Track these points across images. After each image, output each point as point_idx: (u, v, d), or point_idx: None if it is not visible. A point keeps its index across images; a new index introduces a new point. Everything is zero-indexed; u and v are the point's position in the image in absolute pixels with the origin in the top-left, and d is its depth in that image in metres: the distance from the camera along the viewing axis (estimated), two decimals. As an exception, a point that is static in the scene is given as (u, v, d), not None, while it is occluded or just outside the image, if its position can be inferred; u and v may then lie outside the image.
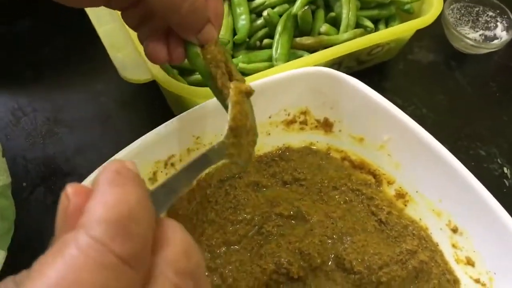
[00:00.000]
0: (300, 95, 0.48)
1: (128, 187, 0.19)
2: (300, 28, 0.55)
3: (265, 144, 0.49)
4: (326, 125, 0.50)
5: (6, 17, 0.62)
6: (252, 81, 0.45)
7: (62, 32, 0.61)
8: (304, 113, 0.49)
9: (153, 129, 0.41)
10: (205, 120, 0.44)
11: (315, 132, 0.50)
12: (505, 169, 0.56)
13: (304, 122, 0.49)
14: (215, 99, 0.43)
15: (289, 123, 0.49)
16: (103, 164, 0.31)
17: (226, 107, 0.36)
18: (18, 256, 0.45)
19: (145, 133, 0.41)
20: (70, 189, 0.20)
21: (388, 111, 0.45)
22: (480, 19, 0.67)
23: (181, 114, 0.42)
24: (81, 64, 0.59)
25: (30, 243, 0.46)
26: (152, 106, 0.55)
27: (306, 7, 0.53)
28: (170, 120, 0.42)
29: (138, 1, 0.36)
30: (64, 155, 0.52)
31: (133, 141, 0.41)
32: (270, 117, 0.48)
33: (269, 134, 0.49)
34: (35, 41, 0.61)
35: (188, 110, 0.42)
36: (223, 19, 0.37)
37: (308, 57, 0.51)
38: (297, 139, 0.50)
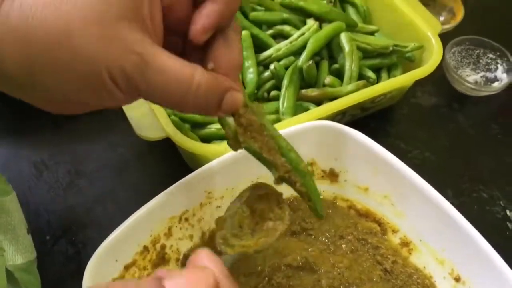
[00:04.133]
0: (307, 147, 0.50)
1: None
2: (305, 80, 0.58)
3: None
4: (332, 175, 0.52)
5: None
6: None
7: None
8: (311, 164, 0.51)
9: (168, 180, 0.44)
10: (216, 176, 0.47)
11: (321, 182, 0.52)
12: (507, 211, 0.58)
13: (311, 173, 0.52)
14: (225, 155, 0.46)
15: None
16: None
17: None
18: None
19: (160, 185, 0.44)
20: None
21: (389, 163, 0.47)
22: (481, 61, 0.70)
23: (194, 173, 0.45)
24: (98, 114, 0.62)
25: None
26: (167, 157, 0.58)
27: (311, 62, 0.56)
28: (183, 178, 0.44)
29: None
30: (84, 206, 0.55)
31: (149, 192, 0.43)
32: None
33: (277, 185, 0.51)
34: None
35: (199, 169, 0.45)
36: (241, 67, 0.32)
37: (314, 111, 0.53)
38: None
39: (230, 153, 0.46)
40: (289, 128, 0.48)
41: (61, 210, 0.54)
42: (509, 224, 0.57)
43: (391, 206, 0.50)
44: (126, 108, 0.51)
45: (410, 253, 0.49)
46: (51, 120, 0.62)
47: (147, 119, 0.51)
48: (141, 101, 0.52)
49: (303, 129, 0.49)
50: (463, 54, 0.70)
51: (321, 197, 0.53)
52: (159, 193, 0.43)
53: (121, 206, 0.55)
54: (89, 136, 0.61)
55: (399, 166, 0.47)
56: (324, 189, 0.52)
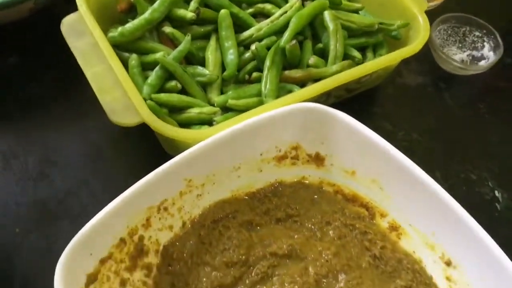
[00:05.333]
0: (291, 131, 0.48)
1: None
2: (288, 60, 0.55)
3: (257, 181, 0.49)
4: (318, 160, 0.50)
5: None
6: (243, 120, 0.45)
7: (50, 68, 0.61)
8: (296, 148, 0.49)
9: (145, 167, 0.41)
10: (196, 162, 0.44)
11: (307, 167, 0.50)
12: (496, 192, 0.57)
13: (296, 157, 0.50)
14: (205, 141, 0.43)
15: (281, 158, 0.49)
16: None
17: None
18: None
19: (137, 172, 0.41)
20: None
21: (377, 145, 0.45)
22: (467, 39, 0.68)
23: (172, 160, 0.42)
24: (70, 101, 0.59)
25: (26, 291, 0.46)
26: (143, 143, 0.55)
27: (293, 41, 0.53)
28: (161, 167, 0.42)
29: None
30: (55, 198, 0.51)
31: (125, 181, 0.41)
32: (261, 155, 0.48)
33: (261, 170, 0.49)
34: (22, 78, 0.60)
35: (179, 156, 0.42)
36: None
37: (297, 93, 0.51)
38: (289, 174, 0.50)
39: (210, 139, 0.43)
40: (272, 111, 0.46)
41: (31, 202, 0.51)
42: (497, 205, 0.56)
43: (379, 190, 0.48)
44: (99, 93, 0.48)
45: (399, 238, 0.48)
46: (19, 107, 0.58)
47: (121, 103, 0.48)
48: (114, 84, 0.49)
49: (287, 112, 0.46)
50: (449, 32, 0.68)
51: (306, 182, 0.51)
52: (135, 182, 0.40)
53: (96, 197, 0.52)
54: (60, 123, 0.57)
55: (387, 148, 0.45)
56: (310, 173, 0.50)
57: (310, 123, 0.47)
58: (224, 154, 0.45)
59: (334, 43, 0.55)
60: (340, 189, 0.50)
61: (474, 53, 0.67)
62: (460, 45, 0.68)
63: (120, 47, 0.55)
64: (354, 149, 0.47)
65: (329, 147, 0.49)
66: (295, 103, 0.47)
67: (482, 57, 0.66)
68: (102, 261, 0.39)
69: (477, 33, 0.67)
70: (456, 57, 0.67)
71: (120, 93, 0.48)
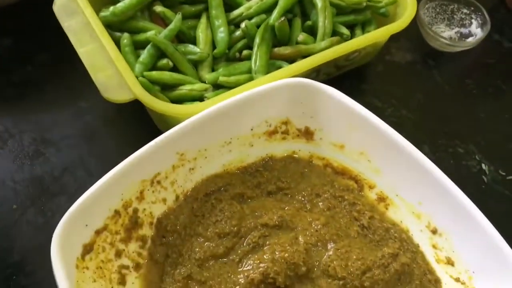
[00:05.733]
0: (280, 106, 0.49)
1: None
2: (278, 38, 0.56)
3: (248, 155, 0.50)
4: (307, 134, 0.51)
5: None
6: (233, 95, 0.46)
7: (44, 49, 0.62)
8: (285, 123, 0.50)
9: (138, 145, 0.42)
10: (188, 137, 0.45)
11: (297, 141, 0.51)
12: (483, 165, 0.58)
13: (286, 132, 0.51)
14: (196, 115, 0.44)
15: (271, 133, 0.50)
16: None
17: None
18: (15, 278, 0.46)
19: (130, 149, 0.42)
20: None
21: (365, 119, 0.46)
22: (455, 16, 0.69)
23: (164, 134, 0.43)
24: (64, 81, 0.60)
25: (25, 265, 0.47)
26: (136, 121, 0.56)
27: (282, 18, 0.54)
28: (153, 140, 0.43)
29: None
30: (52, 175, 0.53)
31: (119, 157, 0.42)
32: (252, 129, 0.49)
33: (252, 145, 0.50)
34: (17, 60, 0.61)
35: (170, 130, 0.43)
36: None
37: (286, 68, 0.52)
38: (279, 148, 0.51)
39: (201, 113, 0.44)
40: (262, 86, 0.47)
41: (28, 180, 0.52)
42: (484, 178, 0.58)
43: (368, 162, 0.49)
44: (92, 70, 0.49)
45: (386, 208, 0.49)
46: (14, 89, 0.59)
47: (114, 80, 0.49)
48: (107, 61, 0.50)
49: (276, 87, 0.47)
50: (437, 10, 0.69)
51: (296, 156, 0.52)
52: (129, 157, 0.41)
53: (91, 173, 0.53)
54: (55, 103, 0.58)
55: (375, 121, 0.46)
56: (300, 148, 0.52)
57: (300, 98, 0.48)
58: (215, 129, 0.46)
59: (323, 20, 0.56)
60: (329, 163, 0.51)
61: (462, 30, 0.68)
62: (448, 22, 0.69)
63: (112, 26, 0.55)
64: (342, 123, 0.48)
65: (318, 121, 0.50)
66: (285, 78, 0.48)
67: (470, 34, 0.67)
68: (98, 232, 0.41)
69: (465, 10, 0.68)
70: (444, 34, 0.68)
71: (112, 71, 0.49)
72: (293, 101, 0.48)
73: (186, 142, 0.45)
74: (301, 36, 0.56)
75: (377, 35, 0.55)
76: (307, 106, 0.49)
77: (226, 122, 0.47)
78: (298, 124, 0.50)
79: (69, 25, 0.52)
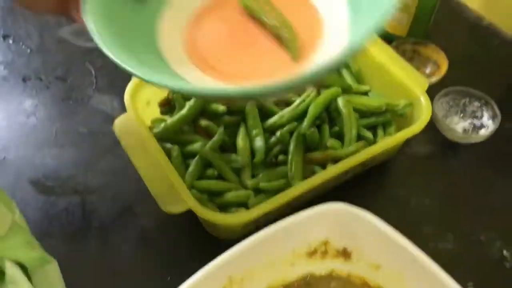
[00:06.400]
0: (321, 229, 0.53)
1: None
2: (308, 143, 0.63)
3: (290, 274, 0.54)
4: (345, 254, 0.54)
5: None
6: (275, 203, 0.52)
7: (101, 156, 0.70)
8: (325, 243, 0.54)
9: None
10: (238, 261, 0.49)
11: (335, 260, 0.54)
12: (504, 251, 0.63)
13: (325, 252, 0.54)
14: (246, 240, 0.49)
15: (311, 253, 0.54)
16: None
17: None
18: None
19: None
20: None
21: (399, 244, 0.50)
22: (467, 109, 0.75)
23: (216, 260, 0.47)
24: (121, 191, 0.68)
25: None
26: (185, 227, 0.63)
27: (312, 129, 0.61)
28: (205, 267, 0.47)
29: None
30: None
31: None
32: (293, 250, 0.53)
33: (293, 264, 0.54)
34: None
35: (222, 255, 0.47)
36: None
37: (321, 174, 0.58)
38: (319, 267, 0.55)
39: (251, 238, 0.49)
40: (303, 211, 0.51)
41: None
42: (506, 264, 0.62)
43: (401, 284, 0.52)
44: (150, 184, 0.56)
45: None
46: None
47: (168, 193, 0.55)
48: (161, 176, 0.57)
49: (317, 213, 0.52)
50: (451, 103, 0.75)
51: (336, 274, 0.56)
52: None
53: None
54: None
55: (408, 248, 0.49)
56: (339, 267, 0.55)
57: (339, 221, 0.53)
58: (262, 251, 0.51)
59: (349, 127, 0.63)
60: (366, 282, 0.54)
61: (475, 121, 0.74)
62: (461, 114, 0.75)
63: (163, 138, 0.63)
64: (378, 245, 0.52)
65: (355, 242, 0.53)
66: (319, 183, 0.55)
67: (482, 125, 0.73)
68: None
69: (476, 103, 0.75)
70: (458, 126, 0.74)
71: (167, 184, 0.56)
72: (332, 224, 0.53)
73: (236, 265, 0.50)
74: (330, 142, 0.63)
75: (398, 138, 0.62)
76: (345, 228, 0.53)
77: (271, 245, 0.51)
78: (336, 244, 0.54)
79: (127, 143, 0.60)
